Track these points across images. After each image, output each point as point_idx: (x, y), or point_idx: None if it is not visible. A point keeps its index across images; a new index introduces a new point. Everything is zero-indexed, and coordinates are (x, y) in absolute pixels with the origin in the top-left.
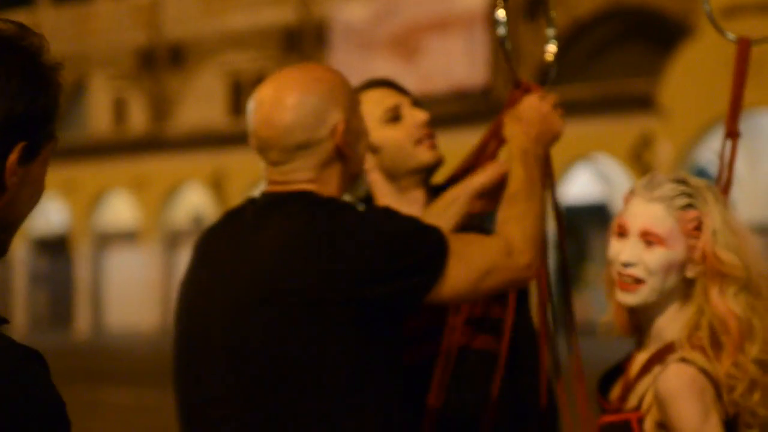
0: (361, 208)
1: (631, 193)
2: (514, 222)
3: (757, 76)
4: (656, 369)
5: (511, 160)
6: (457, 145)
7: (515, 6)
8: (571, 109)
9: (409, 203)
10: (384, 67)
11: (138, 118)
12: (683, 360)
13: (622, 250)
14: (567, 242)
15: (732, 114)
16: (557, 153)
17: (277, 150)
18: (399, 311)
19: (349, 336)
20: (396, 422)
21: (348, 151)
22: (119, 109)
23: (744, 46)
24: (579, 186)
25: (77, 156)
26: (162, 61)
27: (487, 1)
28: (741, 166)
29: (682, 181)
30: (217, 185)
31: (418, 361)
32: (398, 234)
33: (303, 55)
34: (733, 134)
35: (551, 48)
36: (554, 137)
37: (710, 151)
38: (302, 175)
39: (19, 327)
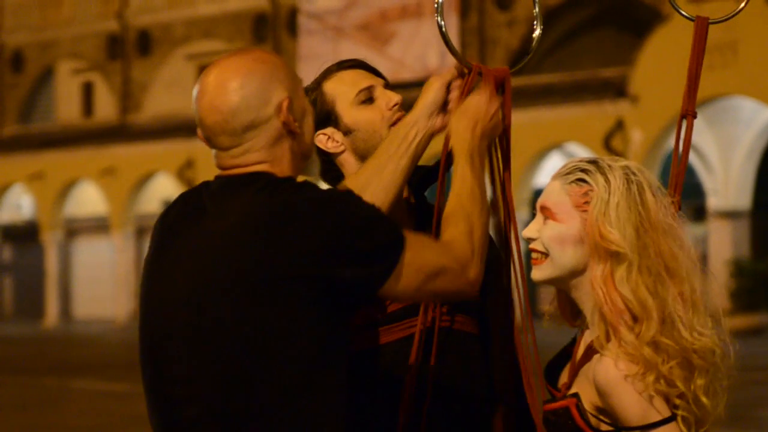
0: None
1: None
2: (463, 232)
3: (731, 63)
4: (595, 357)
5: (456, 157)
6: None
7: None
8: (543, 96)
9: None
10: (355, 54)
11: (106, 107)
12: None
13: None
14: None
15: (688, 93)
16: (529, 140)
17: (227, 134)
18: (354, 300)
19: (311, 315)
20: (347, 401)
21: (295, 128)
22: (87, 98)
23: (702, 25)
24: (550, 173)
25: (45, 145)
26: (130, 50)
27: None
28: (714, 153)
29: (591, 161)
30: (186, 174)
31: (393, 341)
32: (359, 217)
33: (273, 42)
34: (689, 114)
35: (537, 29)
36: (495, 132)
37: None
38: (254, 157)
39: None
